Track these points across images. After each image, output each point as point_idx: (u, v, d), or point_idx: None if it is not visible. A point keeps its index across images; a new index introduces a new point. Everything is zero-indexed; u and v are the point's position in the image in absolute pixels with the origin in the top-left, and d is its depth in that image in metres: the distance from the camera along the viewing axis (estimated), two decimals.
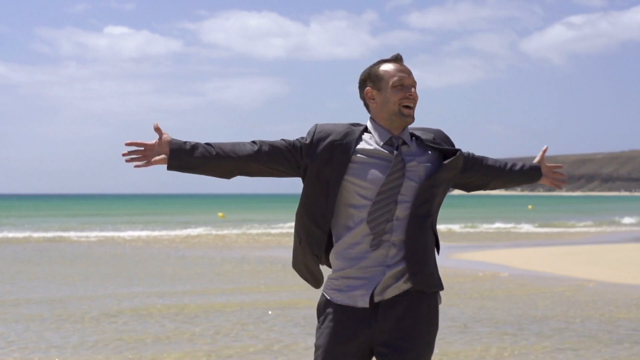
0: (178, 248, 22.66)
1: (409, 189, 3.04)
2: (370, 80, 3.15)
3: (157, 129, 3.02)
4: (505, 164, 3.50)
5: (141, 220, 44.37)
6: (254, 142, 3.10)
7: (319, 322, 3.16)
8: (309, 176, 3.08)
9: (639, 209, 72.31)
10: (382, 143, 3.08)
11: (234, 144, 3.08)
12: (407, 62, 3.20)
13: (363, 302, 3.04)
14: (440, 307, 3.33)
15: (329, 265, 3.22)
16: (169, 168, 3.03)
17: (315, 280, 3.27)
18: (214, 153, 3.04)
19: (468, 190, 3.43)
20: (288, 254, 19.70)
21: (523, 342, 8.04)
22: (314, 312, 9.63)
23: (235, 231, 32.55)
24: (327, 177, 3.05)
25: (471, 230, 34.40)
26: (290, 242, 25.57)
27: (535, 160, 3.67)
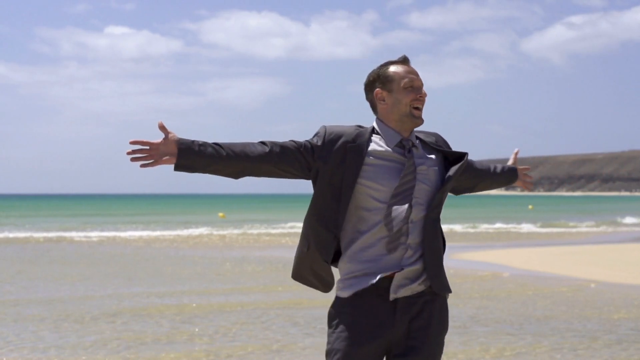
0: (178, 248, 22.65)
1: (421, 192, 3.06)
2: (379, 81, 3.14)
3: (162, 128, 2.94)
4: (489, 167, 3.58)
5: (141, 220, 44.36)
6: (263, 142, 3.04)
7: (331, 326, 3.10)
8: (321, 179, 3.05)
9: None
10: (393, 145, 3.09)
11: (244, 145, 3.02)
12: None
13: (372, 280, 3.02)
14: None
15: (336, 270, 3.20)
16: (176, 168, 2.96)
17: (324, 284, 3.21)
18: (224, 154, 2.97)
19: (457, 193, 3.47)
20: (288, 254, 19.69)
21: (523, 342, 8.02)
22: (314, 312, 9.70)
23: (235, 231, 32.54)
24: (339, 180, 3.02)
25: (471, 230, 34.39)
26: (290, 242, 25.57)
27: (509, 163, 3.77)
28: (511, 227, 37.18)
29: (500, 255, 19.68)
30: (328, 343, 3.10)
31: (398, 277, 3.02)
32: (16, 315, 9.69)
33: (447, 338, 8.30)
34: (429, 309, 3.07)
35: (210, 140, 3.02)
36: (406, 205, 3.02)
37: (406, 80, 3.10)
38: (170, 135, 2.94)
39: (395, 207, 3.02)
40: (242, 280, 13.71)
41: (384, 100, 3.13)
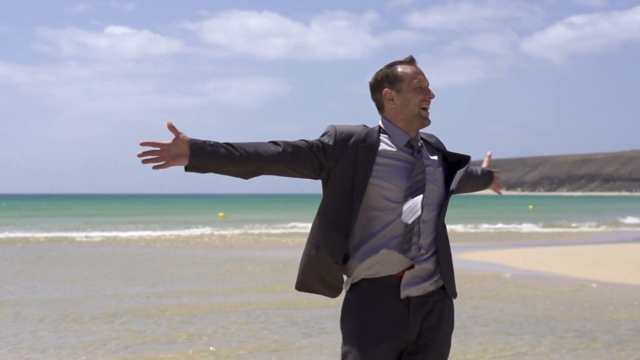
0: (178, 248, 22.64)
1: (431, 193, 3.08)
2: (388, 81, 3.14)
3: (172, 128, 2.87)
4: (471, 170, 3.63)
5: (141, 220, 44.36)
6: (275, 142, 3.01)
7: (346, 325, 3.08)
8: (332, 179, 3.03)
9: None
10: (402, 145, 3.10)
11: (257, 145, 2.98)
12: None
13: (386, 274, 3.02)
14: None
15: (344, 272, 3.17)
16: (188, 169, 2.90)
17: (332, 289, 3.17)
18: (237, 154, 2.93)
19: None
20: (289, 254, 19.70)
21: (522, 342, 8.01)
22: (313, 313, 9.69)
23: (235, 231, 32.53)
24: (350, 180, 3.02)
25: (472, 230, 34.38)
26: (290, 242, 25.56)
27: (483, 165, 3.85)
28: (512, 227, 37.18)
29: (501, 255, 19.67)
30: (345, 344, 3.07)
31: (408, 275, 3.03)
32: (15, 315, 9.68)
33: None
34: (440, 308, 3.09)
35: (215, 140, 2.99)
36: (418, 205, 3.04)
37: (416, 80, 3.12)
38: (181, 136, 2.88)
39: (407, 207, 3.03)
40: (242, 281, 13.70)
41: (392, 100, 3.13)
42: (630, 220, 45.29)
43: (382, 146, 3.07)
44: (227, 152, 2.92)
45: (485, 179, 3.71)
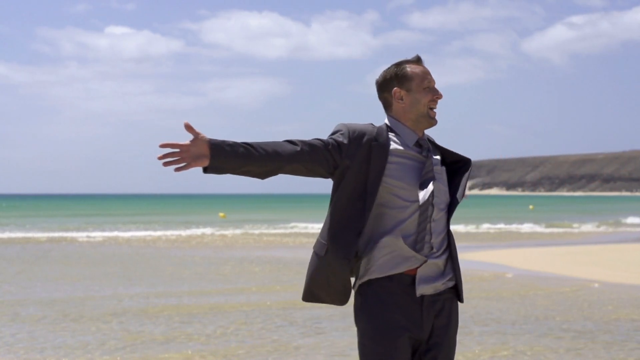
0: (179, 248, 22.63)
1: (439, 192, 3.11)
2: (397, 80, 3.15)
3: (190, 128, 2.82)
4: None
5: (141, 220, 44.36)
6: (291, 141, 2.98)
7: (362, 322, 3.06)
8: (346, 178, 3.02)
9: None
10: (411, 144, 3.11)
11: (275, 144, 2.95)
12: None
13: (400, 270, 3.02)
14: None
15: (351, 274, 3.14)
16: (207, 171, 2.85)
17: (341, 296, 3.10)
18: (256, 154, 2.89)
19: None
20: (289, 254, 19.69)
21: (522, 342, 7.99)
22: (312, 313, 9.66)
23: (236, 231, 32.52)
24: (364, 178, 3.02)
25: (472, 230, 34.38)
26: (291, 242, 25.56)
27: None
28: (513, 227, 37.17)
29: (502, 255, 19.66)
30: (364, 340, 3.04)
31: (421, 273, 3.04)
32: (14, 315, 9.66)
33: None
34: (449, 307, 3.12)
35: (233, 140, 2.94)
36: (429, 205, 3.06)
37: (426, 80, 3.14)
38: (200, 136, 2.82)
39: (420, 205, 3.04)
40: (242, 281, 13.69)
41: (402, 99, 3.14)
42: (631, 220, 45.29)
43: (393, 145, 3.08)
44: (246, 151, 2.88)
45: None
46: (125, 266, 16.60)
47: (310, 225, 37.60)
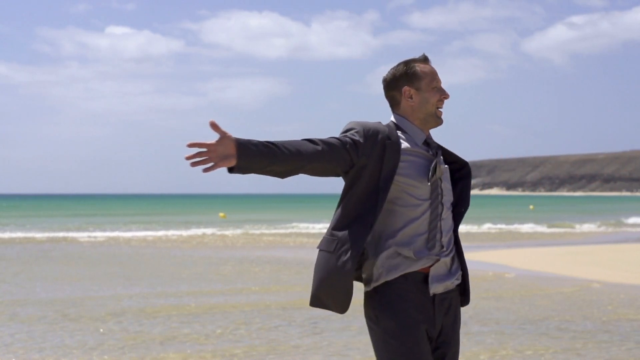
0: (179, 248, 22.62)
1: (446, 191, 3.15)
2: (407, 78, 3.16)
3: (216, 127, 2.77)
4: None
5: (142, 220, 44.36)
6: (311, 140, 2.96)
7: (380, 322, 3.05)
8: (360, 176, 3.02)
9: None
10: (420, 143, 3.14)
11: (297, 144, 2.92)
12: None
13: (415, 269, 3.05)
14: None
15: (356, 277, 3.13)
16: (233, 170, 2.81)
17: (343, 303, 3.03)
18: (280, 153, 2.86)
19: None
20: (289, 254, 19.68)
21: (522, 342, 7.98)
22: (312, 313, 9.65)
23: (236, 231, 32.51)
24: (377, 177, 3.02)
25: (473, 230, 34.38)
26: (291, 242, 25.54)
27: None
28: (513, 227, 37.17)
29: (502, 255, 19.65)
30: (386, 338, 3.02)
31: (433, 271, 3.08)
32: (13, 315, 9.65)
33: None
34: (455, 306, 3.19)
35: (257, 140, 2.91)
36: (439, 203, 3.10)
37: (434, 80, 3.16)
38: (227, 135, 2.79)
39: (431, 203, 3.07)
40: (242, 281, 13.67)
41: (411, 98, 3.15)
42: (632, 220, 45.27)
43: (403, 143, 3.11)
44: (270, 151, 2.85)
45: None
46: (125, 266, 16.59)
47: (310, 225, 37.62)
